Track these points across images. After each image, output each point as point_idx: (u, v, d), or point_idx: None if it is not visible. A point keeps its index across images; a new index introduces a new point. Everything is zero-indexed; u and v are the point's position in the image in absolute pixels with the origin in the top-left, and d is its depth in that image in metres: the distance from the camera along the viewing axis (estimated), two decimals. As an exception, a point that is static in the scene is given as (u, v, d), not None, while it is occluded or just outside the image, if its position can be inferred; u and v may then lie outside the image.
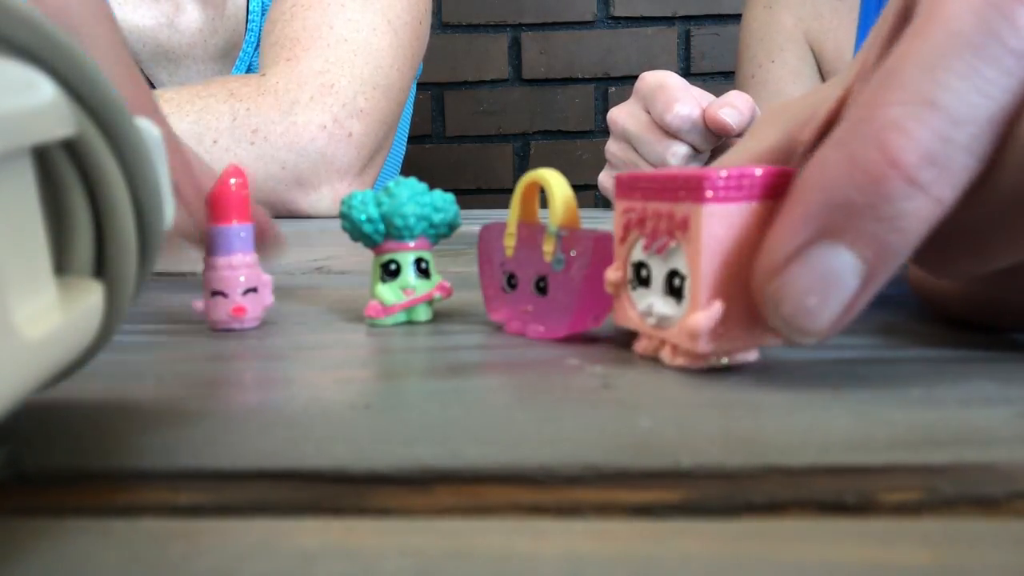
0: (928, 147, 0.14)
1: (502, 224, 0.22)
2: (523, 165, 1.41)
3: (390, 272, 0.23)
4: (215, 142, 0.61)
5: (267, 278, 0.23)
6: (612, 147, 0.76)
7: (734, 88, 0.72)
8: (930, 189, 0.14)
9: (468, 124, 1.39)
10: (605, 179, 0.78)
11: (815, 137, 0.19)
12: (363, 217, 0.22)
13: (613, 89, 1.39)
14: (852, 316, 0.15)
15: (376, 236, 0.22)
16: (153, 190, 0.13)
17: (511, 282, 0.22)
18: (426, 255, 0.23)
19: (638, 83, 0.72)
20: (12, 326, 0.10)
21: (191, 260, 0.24)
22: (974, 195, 0.15)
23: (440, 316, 0.24)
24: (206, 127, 0.61)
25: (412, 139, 1.38)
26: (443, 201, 0.23)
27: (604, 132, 0.77)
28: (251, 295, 0.22)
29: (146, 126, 0.13)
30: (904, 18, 0.18)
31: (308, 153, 0.62)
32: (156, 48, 0.76)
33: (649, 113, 0.70)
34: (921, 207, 0.14)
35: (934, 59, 0.14)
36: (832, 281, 0.14)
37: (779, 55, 0.89)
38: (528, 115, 1.40)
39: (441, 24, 1.37)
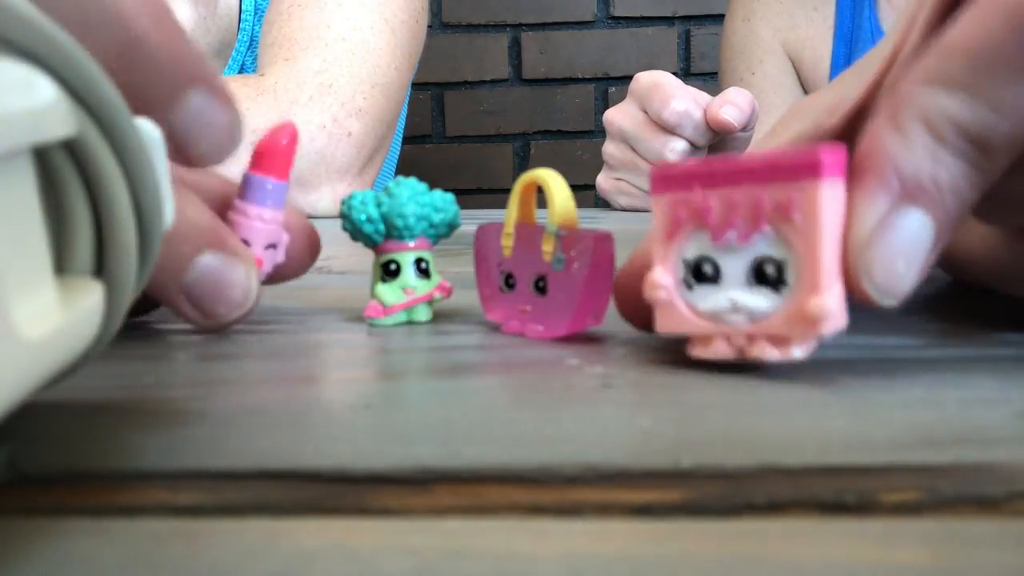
0: (972, 133, 0.15)
1: (498, 224, 0.22)
2: (523, 165, 1.41)
3: (390, 272, 0.23)
4: None
5: (286, 237, 0.23)
6: (609, 148, 0.76)
7: None
8: (978, 163, 0.15)
9: (468, 124, 1.39)
10: (603, 180, 0.78)
11: (843, 123, 0.20)
12: (363, 217, 0.22)
13: (613, 89, 1.39)
14: (923, 276, 0.16)
15: (376, 236, 0.22)
16: (153, 190, 0.13)
17: (509, 282, 0.22)
18: (426, 255, 0.23)
19: (633, 83, 0.72)
20: (12, 326, 0.10)
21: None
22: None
23: (440, 316, 0.24)
24: None
25: (412, 139, 1.38)
26: (443, 201, 0.23)
27: (604, 132, 0.77)
28: (270, 250, 0.22)
29: (146, 126, 0.13)
30: (951, 6, 0.18)
31: (307, 153, 0.62)
32: None
33: (646, 112, 0.71)
34: (973, 175, 0.15)
35: (988, 51, 0.15)
36: (915, 243, 0.16)
37: (759, 67, 0.91)
38: (528, 115, 1.40)
39: (441, 24, 1.37)
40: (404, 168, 0.95)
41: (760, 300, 0.16)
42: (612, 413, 0.14)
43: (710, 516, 0.11)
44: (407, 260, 0.22)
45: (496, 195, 1.38)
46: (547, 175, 0.21)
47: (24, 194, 0.11)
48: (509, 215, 0.22)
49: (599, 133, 1.38)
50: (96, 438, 0.14)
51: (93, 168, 0.12)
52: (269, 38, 0.69)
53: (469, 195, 1.36)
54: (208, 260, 0.19)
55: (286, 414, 0.15)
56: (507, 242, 0.21)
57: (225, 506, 0.11)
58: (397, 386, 0.17)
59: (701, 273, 0.17)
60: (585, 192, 1.29)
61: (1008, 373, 0.16)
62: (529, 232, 0.21)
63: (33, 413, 0.15)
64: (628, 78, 0.74)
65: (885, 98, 0.16)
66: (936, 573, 0.09)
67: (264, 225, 0.22)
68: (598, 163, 0.79)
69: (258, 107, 0.62)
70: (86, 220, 0.12)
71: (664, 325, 0.18)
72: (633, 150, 0.73)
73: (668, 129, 0.69)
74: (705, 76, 1.34)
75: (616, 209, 0.79)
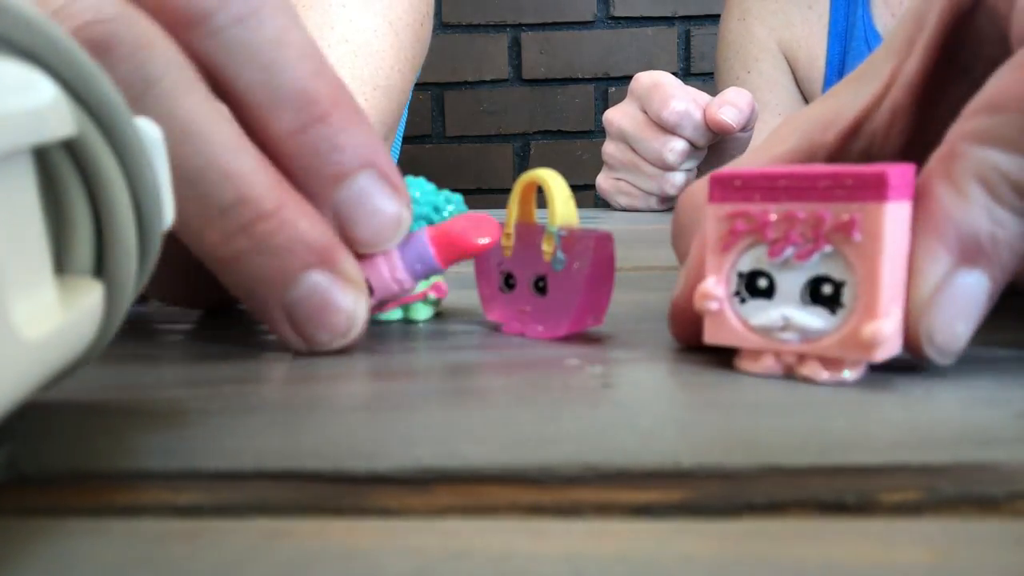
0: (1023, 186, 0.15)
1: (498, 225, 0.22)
2: (523, 165, 1.41)
3: None
4: None
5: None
6: (609, 148, 0.76)
7: None
8: None
9: (468, 124, 1.39)
10: (603, 181, 0.78)
11: (839, 142, 0.20)
12: None
13: (613, 89, 1.39)
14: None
15: None
16: (153, 190, 0.13)
17: (509, 282, 0.22)
18: None
19: (632, 84, 0.72)
20: (12, 326, 0.10)
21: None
22: None
23: (440, 316, 0.24)
24: None
25: (412, 139, 1.38)
26: (445, 202, 0.23)
27: (604, 132, 0.77)
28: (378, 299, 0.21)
29: (146, 126, 0.13)
30: (953, 29, 0.18)
31: None
32: None
33: (645, 112, 0.71)
34: None
35: None
36: (973, 304, 0.16)
37: (755, 66, 0.92)
38: (528, 115, 1.40)
39: (441, 24, 1.38)
40: (404, 168, 0.95)
41: (814, 319, 0.16)
42: (612, 413, 0.14)
43: (710, 516, 0.11)
44: None
45: (496, 195, 1.38)
46: (547, 175, 0.21)
47: (24, 194, 0.11)
48: (509, 215, 0.22)
49: (599, 133, 1.38)
50: (96, 438, 0.14)
51: (93, 168, 0.12)
52: None
53: (469, 195, 1.35)
54: (316, 279, 0.18)
55: (286, 414, 0.15)
56: (507, 242, 0.21)
57: (225, 506, 0.11)
58: (397, 386, 0.17)
59: (755, 287, 0.17)
60: (585, 192, 1.29)
61: (1008, 373, 0.16)
62: (529, 232, 0.21)
63: (33, 413, 0.15)
64: (628, 78, 0.74)
65: (939, 156, 0.16)
66: (936, 573, 0.09)
67: (396, 289, 0.20)
68: (598, 163, 0.79)
69: None
70: (86, 220, 0.12)
71: (713, 336, 0.17)
72: (633, 150, 0.73)
73: (668, 129, 0.69)
74: (705, 76, 1.34)
75: (616, 209, 0.79)
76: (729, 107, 0.67)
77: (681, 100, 0.68)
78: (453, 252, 0.20)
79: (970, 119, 0.16)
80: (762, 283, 0.17)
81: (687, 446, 0.13)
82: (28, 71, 0.11)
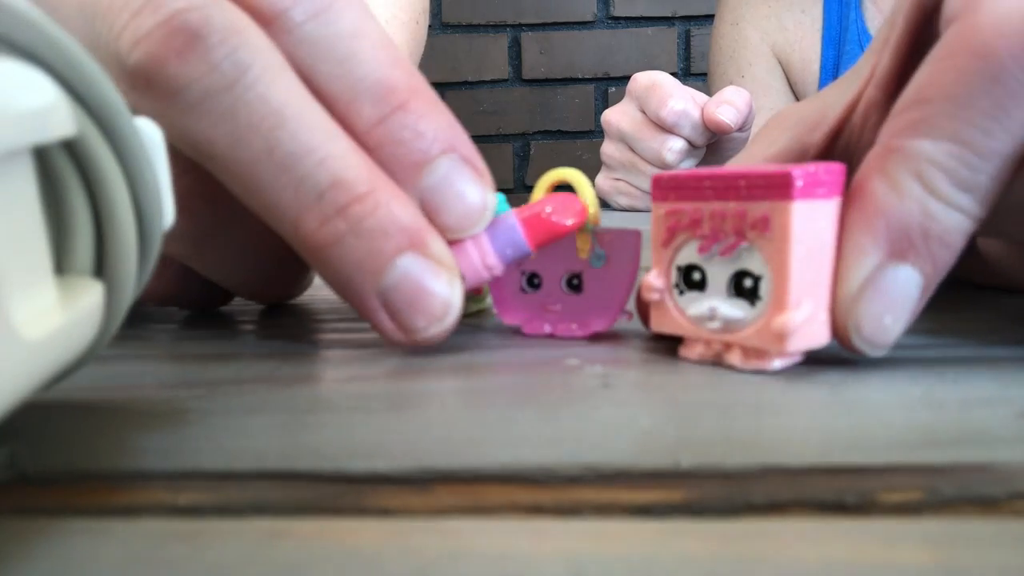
0: (961, 178, 0.16)
1: None
2: (523, 165, 1.41)
3: None
4: None
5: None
6: (608, 148, 0.76)
7: None
8: (968, 211, 0.16)
9: (468, 124, 1.38)
10: (602, 181, 0.79)
11: (826, 141, 0.20)
12: None
13: (613, 89, 1.39)
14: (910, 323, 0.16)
15: None
16: (153, 190, 0.13)
17: (533, 282, 0.22)
18: None
19: (630, 84, 0.73)
20: (12, 326, 0.10)
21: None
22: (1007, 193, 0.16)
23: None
24: None
25: (412, 139, 1.38)
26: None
27: (604, 132, 0.77)
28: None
29: (146, 126, 0.13)
30: (920, 26, 0.18)
31: None
32: None
33: (644, 112, 0.71)
34: (962, 224, 0.16)
35: (965, 97, 0.16)
36: (903, 298, 0.16)
37: (748, 70, 0.92)
38: (528, 115, 1.40)
39: (441, 24, 1.37)
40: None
41: (735, 311, 0.17)
42: (612, 413, 0.14)
43: (710, 516, 0.11)
44: None
45: (496, 195, 1.38)
46: (575, 173, 0.21)
47: (24, 194, 0.11)
48: None
49: (599, 133, 1.38)
50: (96, 438, 0.14)
51: (93, 168, 0.12)
52: None
53: (469, 195, 1.36)
54: (409, 263, 0.18)
55: (286, 414, 0.15)
56: None
57: (225, 506, 0.11)
58: (397, 386, 0.17)
59: (691, 280, 0.18)
60: (585, 192, 1.28)
61: (1008, 373, 0.16)
62: None
63: (33, 413, 0.15)
64: (628, 78, 0.74)
65: (873, 153, 0.17)
66: (936, 573, 0.09)
67: (486, 275, 0.20)
68: (598, 163, 0.79)
69: None
70: (86, 220, 0.12)
71: (657, 325, 0.19)
72: (631, 150, 0.73)
73: (666, 128, 0.69)
74: (705, 76, 1.34)
75: (616, 209, 0.79)
76: (727, 106, 0.67)
77: (679, 99, 0.68)
78: (544, 234, 0.20)
79: (900, 115, 0.16)
80: (696, 276, 0.18)
81: (687, 446, 0.13)
82: (28, 71, 0.11)
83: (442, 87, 1.39)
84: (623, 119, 0.72)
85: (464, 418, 0.14)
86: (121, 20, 0.17)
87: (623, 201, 0.77)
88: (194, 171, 0.18)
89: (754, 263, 0.17)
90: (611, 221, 0.63)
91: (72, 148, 0.12)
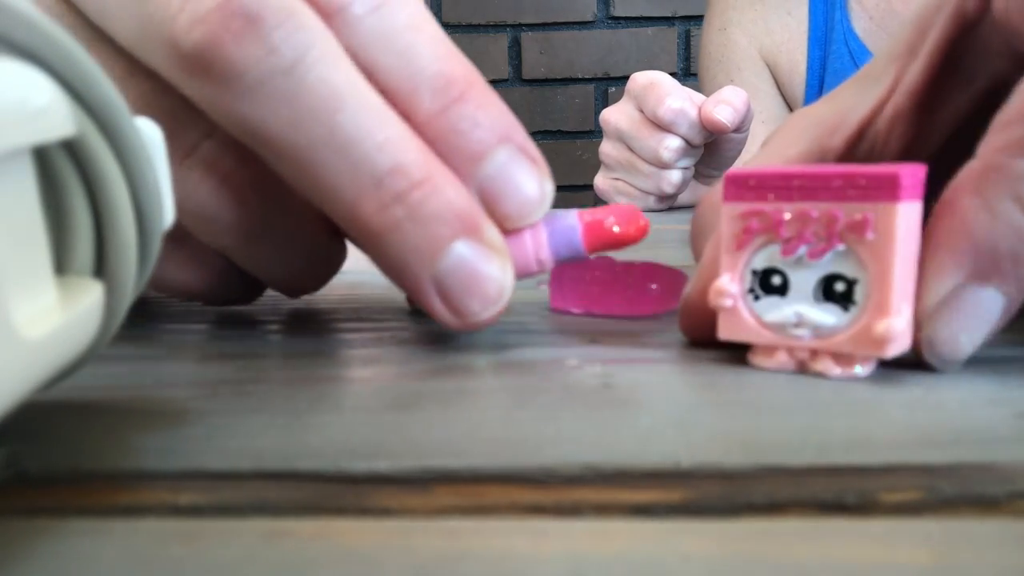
0: None
1: None
2: (523, 165, 1.41)
3: None
4: None
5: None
6: (606, 148, 0.76)
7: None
8: None
9: (468, 124, 1.39)
10: (601, 181, 0.79)
11: (847, 146, 0.20)
12: None
13: (613, 89, 1.39)
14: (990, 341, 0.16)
15: None
16: (153, 190, 0.13)
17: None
18: None
19: (629, 83, 0.73)
20: (12, 326, 0.10)
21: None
22: None
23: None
24: None
25: (412, 139, 1.38)
26: None
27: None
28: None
29: (146, 126, 0.13)
30: (957, 37, 0.18)
31: None
32: None
33: (641, 112, 0.71)
34: None
35: None
36: (982, 318, 0.16)
37: (737, 74, 0.93)
38: (528, 115, 1.40)
39: (441, 24, 1.37)
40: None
41: (827, 316, 0.16)
42: (612, 413, 0.14)
43: (710, 516, 0.11)
44: None
45: (496, 195, 1.38)
46: None
47: (24, 194, 0.11)
48: None
49: (599, 133, 1.37)
50: (96, 438, 0.14)
51: (93, 168, 0.12)
52: None
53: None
54: (463, 248, 0.18)
55: (286, 414, 0.15)
56: None
57: (225, 506, 0.11)
58: (397, 386, 0.17)
59: (769, 284, 0.17)
60: (585, 192, 1.29)
61: (1008, 373, 0.16)
62: None
63: (33, 413, 0.15)
64: (628, 78, 0.74)
65: (970, 169, 0.16)
66: (936, 573, 0.09)
67: (535, 268, 0.20)
68: (598, 163, 0.79)
69: None
70: (86, 220, 0.12)
71: (727, 332, 0.18)
72: (629, 149, 0.73)
73: (663, 127, 0.69)
74: (705, 76, 1.34)
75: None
76: (724, 106, 0.67)
77: (677, 98, 0.68)
78: (602, 243, 0.20)
79: (1002, 131, 0.16)
80: (776, 280, 0.17)
81: (687, 446, 0.13)
82: (28, 71, 0.11)
83: (442, 87, 1.39)
84: (621, 118, 0.73)
85: (464, 418, 0.14)
86: (176, 2, 0.17)
87: (622, 201, 0.77)
88: (252, 163, 0.18)
89: (847, 266, 0.16)
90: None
91: (72, 148, 0.12)
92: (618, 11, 1.38)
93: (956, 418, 0.14)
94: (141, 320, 0.24)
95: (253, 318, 0.25)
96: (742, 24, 0.92)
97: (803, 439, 0.13)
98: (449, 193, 0.18)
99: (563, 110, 1.40)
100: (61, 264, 0.12)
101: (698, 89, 0.71)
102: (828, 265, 0.16)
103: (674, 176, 0.71)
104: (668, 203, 0.73)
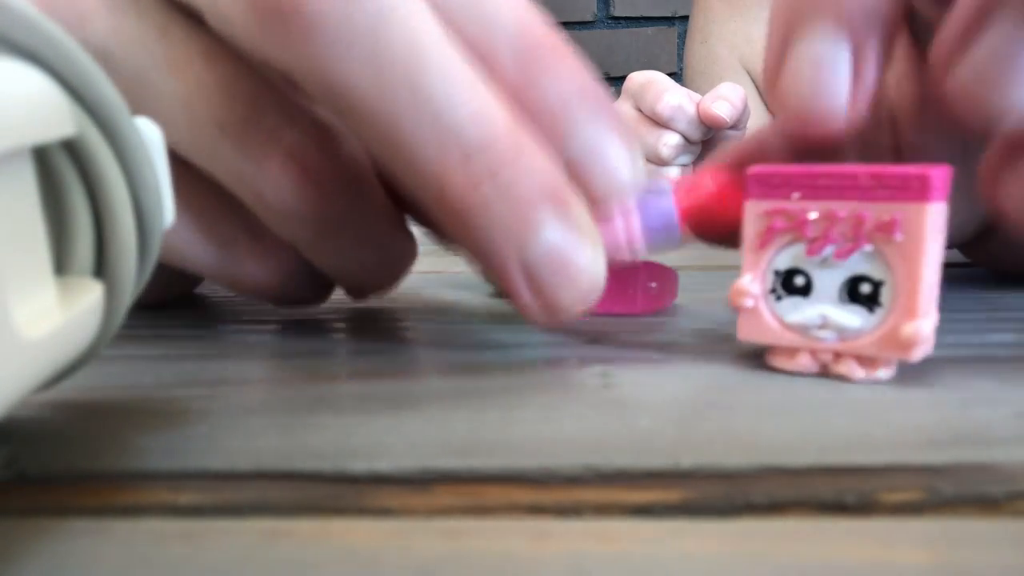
0: None
1: None
2: (523, 165, 1.41)
3: None
4: None
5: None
6: None
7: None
8: None
9: (468, 124, 1.39)
10: None
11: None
12: None
13: (613, 89, 1.39)
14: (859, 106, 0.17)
15: None
16: (153, 190, 0.13)
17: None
18: None
19: (626, 82, 0.73)
20: (12, 326, 0.10)
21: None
22: None
23: (440, 316, 0.24)
24: None
25: (412, 139, 1.38)
26: None
27: (604, 132, 0.77)
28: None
29: (146, 126, 0.13)
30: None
31: None
32: None
33: (639, 110, 0.71)
34: None
35: None
36: (823, 64, 0.17)
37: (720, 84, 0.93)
38: (528, 115, 1.40)
39: (441, 24, 1.37)
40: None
41: (852, 318, 0.16)
42: (612, 413, 0.14)
43: (710, 516, 0.11)
44: None
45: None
46: None
47: (24, 194, 0.11)
48: None
49: (599, 133, 1.38)
50: (96, 438, 0.14)
51: (93, 168, 0.12)
52: None
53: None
54: (554, 230, 0.16)
55: (286, 414, 0.15)
56: None
57: (225, 506, 0.11)
58: (397, 386, 0.17)
59: (792, 285, 0.17)
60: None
61: (1008, 373, 0.16)
62: None
63: (33, 413, 0.15)
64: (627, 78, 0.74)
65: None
66: (936, 573, 0.09)
67: (625, 256, 0.18)
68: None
69: None
70: (86, 220, 0.12)
71: (747, 333, 0.17)
72: None
73: (662, 123, 0.69)
74: (705, 76, 1.35)
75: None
76: (722, 101, 0.67)
77: (675, 95, 0.68)
78: (705, 213, 0.18)
79: None
80: (799, 281, 0.17)
81: (687, 446, 0.13)
82: (28, 71, 0.11)
83: (442, 87, 1.39)
84: None
85: (464, 418, 0.14)
86: None
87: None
88: (333, 153, 0.18)
89: (873, 267, 0.16)
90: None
91: (72, 148, 0.12)
92: (618, 11, 1.38)
93: (956, 418, 0.14)
94: (140, 320, 0.24)
95: (253, 319, 0.25)
96: (722, 35, 0.93)
97: (803, 439, 0.13)
98: (541, 167, 0.16)
99: (563, 110, 1.40)
100: (61, 264, 0.12)
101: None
102: (853, 266, 0.16)
103: (672, 173, 0.71)
104: None
